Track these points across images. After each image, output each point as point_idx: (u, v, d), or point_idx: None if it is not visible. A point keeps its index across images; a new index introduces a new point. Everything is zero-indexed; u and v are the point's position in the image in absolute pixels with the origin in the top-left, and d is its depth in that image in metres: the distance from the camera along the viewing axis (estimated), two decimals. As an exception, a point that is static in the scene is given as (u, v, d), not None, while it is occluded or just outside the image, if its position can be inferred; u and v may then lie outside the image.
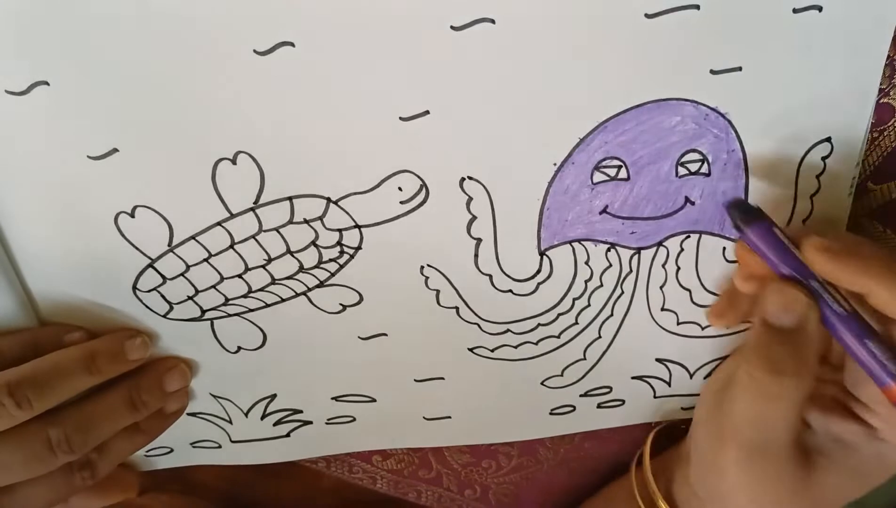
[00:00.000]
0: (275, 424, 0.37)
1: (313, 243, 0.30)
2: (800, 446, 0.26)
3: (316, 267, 0.31)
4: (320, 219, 0.29)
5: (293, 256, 0.30)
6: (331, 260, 0.31)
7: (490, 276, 0.32)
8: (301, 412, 0.37)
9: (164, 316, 0.32)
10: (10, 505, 0.30)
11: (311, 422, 0.38)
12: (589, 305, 0.33)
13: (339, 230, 0.30)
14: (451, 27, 0.25)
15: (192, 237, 0.30)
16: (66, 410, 0.30)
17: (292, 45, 0.25)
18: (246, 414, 0.37)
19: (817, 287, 0.26)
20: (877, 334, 0.25)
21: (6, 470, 0.29)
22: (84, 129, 0.27)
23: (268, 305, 0.32)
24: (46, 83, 0.26)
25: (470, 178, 0.29)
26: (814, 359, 0.26)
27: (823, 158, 0.30)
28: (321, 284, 0.32)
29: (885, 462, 0.25)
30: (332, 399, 0.37)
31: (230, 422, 0.37)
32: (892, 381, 0.24)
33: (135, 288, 0.31)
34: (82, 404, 0.31)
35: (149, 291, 0.31)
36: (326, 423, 0.38)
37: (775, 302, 0.26)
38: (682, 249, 0.31)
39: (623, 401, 0.37)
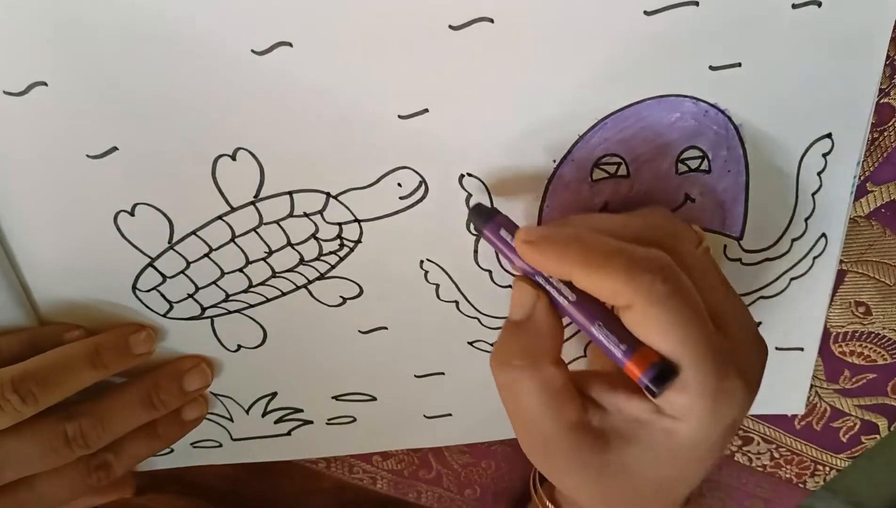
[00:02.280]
0: (276, 422, 0.37)
1: (313, 236, 0.30)
2: (591, 431, 0.26)
3: (316, 259, 0.31)
4: (320, 212, 0.29)
5: (294, 248, 0.30)
6: (331, 252, 0.31)
7: (490, 272, 0.32)
8: (301, 411, 0.37)
9: (165, 316, 0.32)
10: (28, 499, 0.30)
11: (311, 422, 0.38)
12: (589, 303, 0.33)
13: (339, 224, 0.30)
14: (450, 26, 0.25)
15: (193, 232, 0.30)
16: (83, 405, 0.31)
17: (290, 45, 0.25)
18: (247, 412, 0.37)
19: (541, 279, 0.26)
20: (606, 316, 0.24)
21: (23, 462, 0.29)
22: (83, 129, 0.27)
23: (268, 299, 0.32)
24: (45, 83, 0.26)
25: (469, 175, 0.29)
26: (548, 347, 0.25)
27: (824, 155, 0.30)
28: (321, 276, 0.32)
29: (673, 437, 0.25)
30: (333, 398, 0.37)
31: (231, 420, 0.37)
32: (626, 360, 0.23)
33: (134, 287, 0.31)
34: (99, 400, 0.31)
35: (148, 291, 0.31)
36: (327, 423, 0.38)
37: (511, 298, 0.26)
38: (683, 247, 0.31)
39: (624, 401, 0.37)
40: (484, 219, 0.27)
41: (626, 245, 0.24)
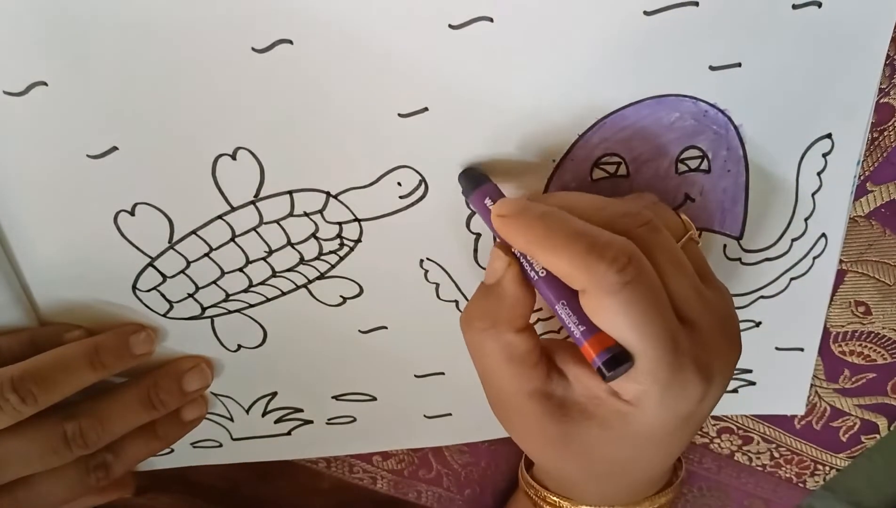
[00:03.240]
0: (276, 422, 0.37)
1: (313, 235, 0.30)
2: (552, 401, 0.26)
3: (316, 258, 0.31)
4: (320, 212, 0.30)
5: (294, 248, 0.30)
6: (331, 251, 0.31)
7: (490, 271, 0.32)
8: (301, 410, 0.37)
9: (165, 316, 0.32)
10: (27, 498, 0.30)
11: (311, 422, 0.38)
12: (589, 303, 0.33)
13: (339, 223, 0.30)
14: (450, 26, 0.25)
15: (193, 232, 0.30)
16: (83, 405, 0.31)
17: (290, 42, 0.25)
18: (247, 411, 0.37)
19: (517, 250, 0.26)
20: (571, 296, 0.24)
21: (22, 462, 0.29)
22: (83, 128, 0.27)
23: (268, 299, 0.32)
24: (45, 83, 0.26)
25: (469, 174, 0.29)
26: (510, 314, 0.26)
27: (824, 155, 0.30)
28: (322, 276, 0.32)
29: (627, 421, 0.25)
30: (333, 398, 0.37)
31: (231, 420, 0.37)
32: (583, 341, 0.24)
33: (134, 287, 0.31)
34: (99, 400, 0.31)
35: (148, 290, 0.31)
36: (327, 423, 0.38)
37: (488, 262, 0.27)
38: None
39: (624, 400, 0.37)
40: (472, 185, 0.28)
41: (592, 229, 0.24)
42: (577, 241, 0.23)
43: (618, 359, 0.23)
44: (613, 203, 0.26)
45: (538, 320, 0.34)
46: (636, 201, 0.28)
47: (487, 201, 0.27)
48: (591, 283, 0.23)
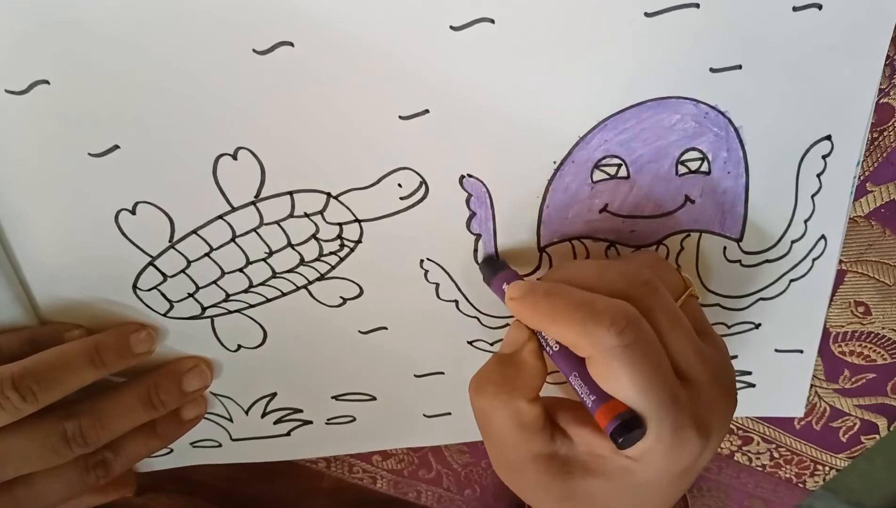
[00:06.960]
0: (275, 423, 0.37)
1: (314, 236, 0.30)
2: (556, 461, 0.27)
3: (316, 259, 0.31)
4: (320, 213, 0.30)
5: (294, 249, 0.31)
6: (331, 253, 0.31)
7: (490, 271, 0.32)
8: (301, 411, 0.37)
9: (165, 315, 0.33)
10: (27, 497, 0.30)
11: (311, 422, 0.38)
12: (589, 303, 0.33)
13: (340, 224, 0.30)
14: (451, 27, 0.25)
15: (194, 231, 0.30)
16: (83, 404, 0.31)
17: (291, 44, 0.25)
18: (246, 412, 0.37)
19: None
20: (582, 368, 0.26)
21: (22, 460, 0.29)
22: (84, 127, 0.27)
23: (268, 300, 0.32)
24: (47, 82, 0.26)
25: (469, 176, 0.29)
26: (525, 384, 0.27)
27: (824, 157, 0.30)
28: (322, 277, 0.32)
29: (630, 475, 0.26)
30: (332, 398, 0.37)
31: (231, 420, 0.37)
32: (595, 410, 0.25)
33: (135, 286, 0.31)
34: (99, 399, 0.31)
35: (149, 290, 0.31)
36: (327, 423, 0.38)
37: (506, 334, 0.29)
38: (682, 248, 0.31)
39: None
40: (492, 273, 0.30)
41: (591, 297, 0.25)
42: (577, 311, 0.25)
43: (628, 425, 0.24)
44: (612, 266, 0.27)
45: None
46: (637, 259, 0.29)
47: (505, 286, 0.28)
48: (594, 349, 0.24)
